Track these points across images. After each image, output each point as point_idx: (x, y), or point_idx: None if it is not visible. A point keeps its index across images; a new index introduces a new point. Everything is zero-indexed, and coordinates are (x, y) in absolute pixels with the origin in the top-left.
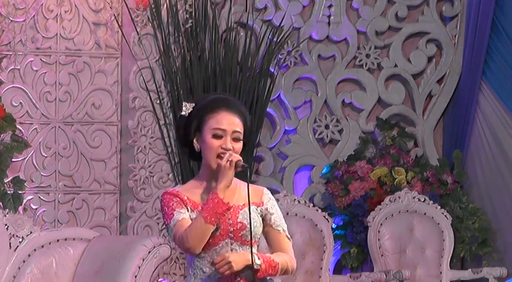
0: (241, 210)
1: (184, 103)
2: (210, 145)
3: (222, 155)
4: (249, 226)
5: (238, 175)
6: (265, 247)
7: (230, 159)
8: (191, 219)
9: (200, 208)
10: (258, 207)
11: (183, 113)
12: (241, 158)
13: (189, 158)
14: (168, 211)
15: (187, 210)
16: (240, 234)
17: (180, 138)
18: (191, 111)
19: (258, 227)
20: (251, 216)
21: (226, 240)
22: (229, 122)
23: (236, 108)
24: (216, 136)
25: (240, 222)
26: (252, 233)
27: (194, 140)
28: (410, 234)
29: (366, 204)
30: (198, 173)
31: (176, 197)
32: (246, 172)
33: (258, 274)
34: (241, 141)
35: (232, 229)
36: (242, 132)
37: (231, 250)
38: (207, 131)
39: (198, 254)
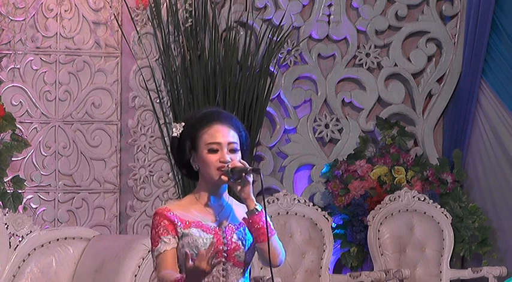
0: (237, 230)
1: (173, 124)
2: (208, 161)
3: (223, 169)
4: (243, 247)
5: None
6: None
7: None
8: (177, 244)
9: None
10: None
11: (174, 134)
12: (239, 165)
13: (188, 179)
14: (154, 236)
15: (173, 237)
16: (233, 255)
17: (175, 160)
18: (182, 130)
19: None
20: (246, 237)
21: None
22: (223, 134)
23: (227, 120)
24: (212, 150)
25: (234, 243)
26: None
27: (191, 160)
28: (410, 233)
29: (365, 203)
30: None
31: (166, 219)
32: (259, 174)
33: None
34: (239, 152)
35: (226, 248)
36: (238, 142)
37: (223, 270)
38: (202, 147)
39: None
